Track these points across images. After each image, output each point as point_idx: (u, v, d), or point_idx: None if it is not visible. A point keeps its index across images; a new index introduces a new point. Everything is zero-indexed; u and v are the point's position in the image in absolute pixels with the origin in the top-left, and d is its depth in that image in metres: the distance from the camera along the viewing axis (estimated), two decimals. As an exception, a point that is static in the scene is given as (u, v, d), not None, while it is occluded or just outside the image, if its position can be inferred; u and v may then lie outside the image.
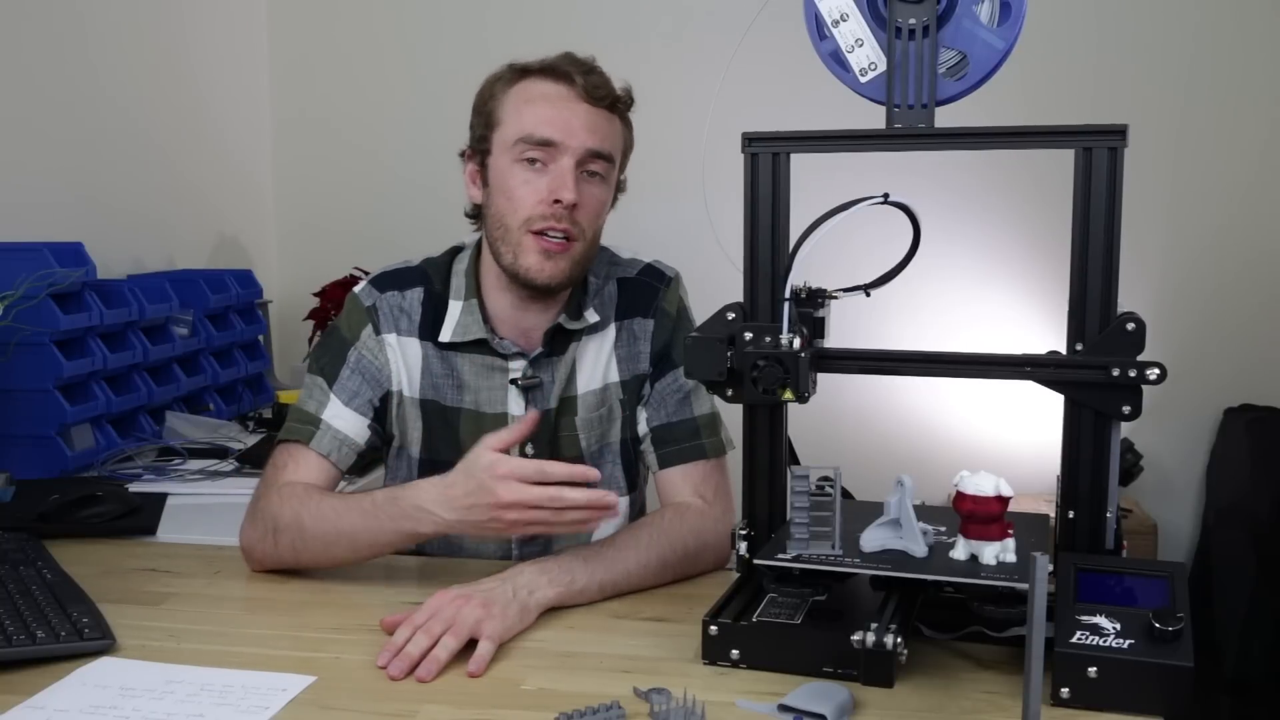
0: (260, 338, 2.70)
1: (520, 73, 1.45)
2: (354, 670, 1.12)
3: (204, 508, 1.73)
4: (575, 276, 1.45)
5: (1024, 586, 0.97)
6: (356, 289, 1.53)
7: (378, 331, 1.49)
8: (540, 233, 1.40)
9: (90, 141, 2.45)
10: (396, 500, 1.29)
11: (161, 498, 1.77)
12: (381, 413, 1.49)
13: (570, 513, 1.21)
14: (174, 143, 2.78)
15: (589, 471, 1.23)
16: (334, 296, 2.76)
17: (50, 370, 1.91)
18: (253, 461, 1.96)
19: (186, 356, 2.35)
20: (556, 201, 1.38)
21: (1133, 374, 1.04)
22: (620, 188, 1.51)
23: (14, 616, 1.18)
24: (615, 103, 1.44)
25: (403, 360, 1.49)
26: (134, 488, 1.82)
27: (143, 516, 1.65)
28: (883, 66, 1.10)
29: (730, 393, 1.14)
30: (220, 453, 2.05)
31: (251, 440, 2.16)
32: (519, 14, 3.11)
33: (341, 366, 1.48)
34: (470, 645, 1.13)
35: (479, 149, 1.47)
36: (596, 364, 1.52)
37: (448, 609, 1.16)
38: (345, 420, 1.46)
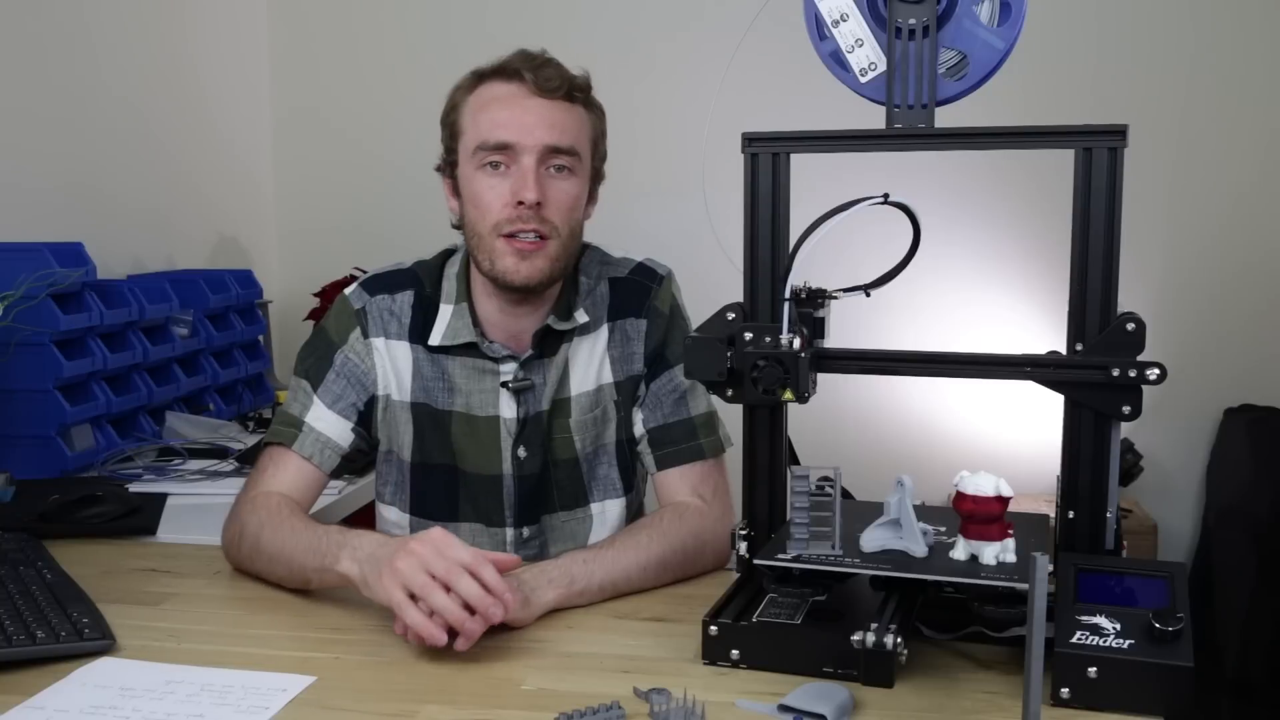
0: (260, 338, 2.70)
1: (477, 78, 1.44)
2: (354, 670, 1.12)
3: (204, 508, 1.73)
4: (556, 274, 1.44)
5: (1024, 586, 0.97)
6: (347, 291, 1.53)
7: (365, 335, 1.49)
8: (512, 235, 1.39)
9: (91, 141, 2.45)
10: (341, 532, 1.26)
11: (161, 498, 1.77)
12: (366, 416, 1.49)
13: (441, 599, 1.10)
14: (174, 142, 2.78)
15: (506, 595, 1.13)
16: (334, 296, 2.74)
17: (50, 370, 1.91)
18: (252, 462, 1.95)
19: (186, 356, 2.35)
20: (520, 203, 1.38)
21: (1133, 374, 1.04)
22: (599, 177, 1.50)
23: (14, 616, 1.18)
24: (571, 91, 1.42)
25: (390, 364, 1.49)
26: (134, 488, 1.82)
27: (143, 516, 1.65)
28: (883, 66, 1.10)
29: (730, 393, 1.14)
30: (220, 453, 2.05)
31: (251, 440, 2.16)
32: (520, 13, 3.10)
33: (327, 370, 1.48)
34: (468, 652, 1.12)
35: (448, 161, 1.47)
36: (589, 365, 1.51)
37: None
38: (328, 423, 1.46)
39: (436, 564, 1.12)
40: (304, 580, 1.30)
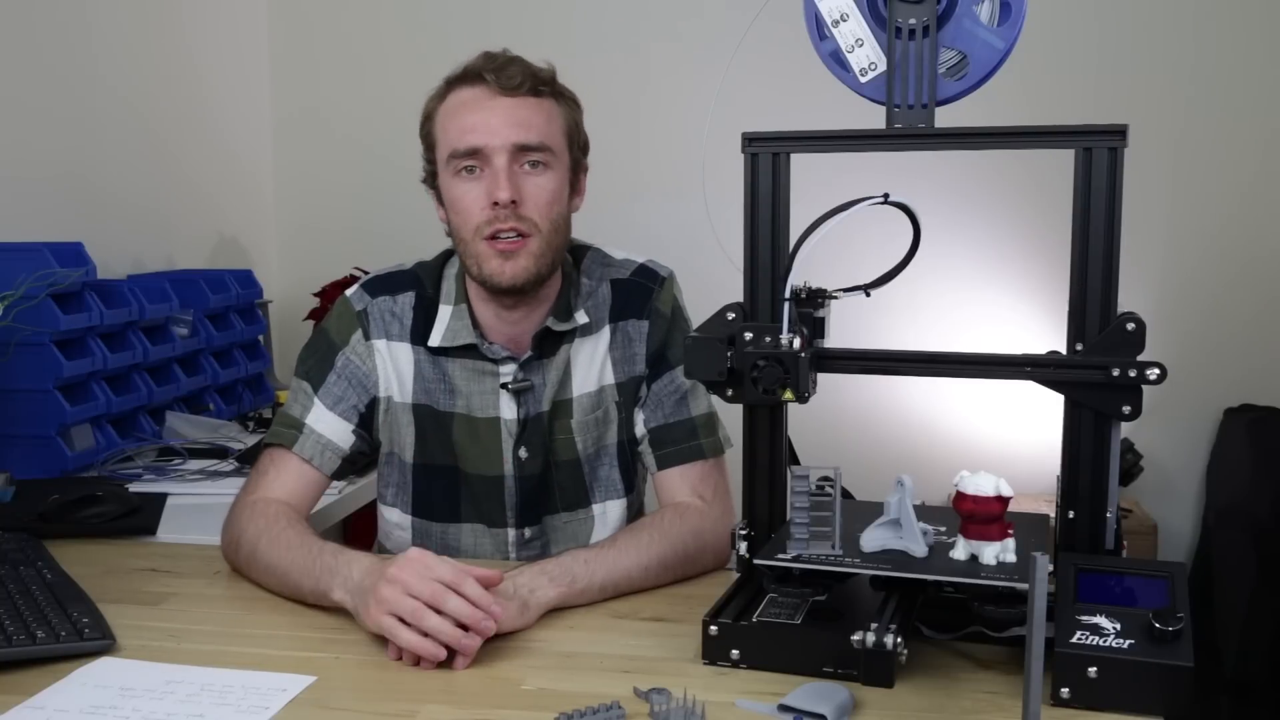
0: (260, 338, 2.70)
1: (446, 86, 1.46)
2: (354, 670, 1.12)
3: (204, 508, 1.73)
4: (543, 271, 1.43)
5: (1024, 586, 0.97)
6: (348, 292, 1.53)
7: (367, 337, 1.49)
8: (493, 237, 1.39)
9: (91, 141, 2.45)
10: (335, 555, 1.25)
11: (161, 498, 1.77)
12: (367, 418, 1.50)
13: (434, 620, 1.09)
14: (174, 142, 2.78)
15: (493, 608, 1.12)
16: (334, 296, 2.74)
17: (50, 370, 1.91)
18: (252, 462, 1.95)
19: (186, 356, 2.35)
20: (496, 203, 1.38)
21: (1133, 374, 1.04)
22: (581, 168, 1.49)
23: (14, 616, 1.18)
24: (536, 85, 1.42)
25: (392, 366, 1.49)
26: (134, 488, 1.82)
27: (143, 516, 1.65)
28: (883, 66, 1.10)
29: (730, 393, 1.14)
30: (220, 453, 2.05)
31: (251, 440, 2.16)
32: (521, 13, 3.10)
33: (328, 371, 1.48)
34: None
35: (429, 173, 1.48)
36: (591, 366, 1.51)
37: None
38: (329, 425, 1.46)
39: (421, 587, 1.12)
40: (299, 598, 1.29)
